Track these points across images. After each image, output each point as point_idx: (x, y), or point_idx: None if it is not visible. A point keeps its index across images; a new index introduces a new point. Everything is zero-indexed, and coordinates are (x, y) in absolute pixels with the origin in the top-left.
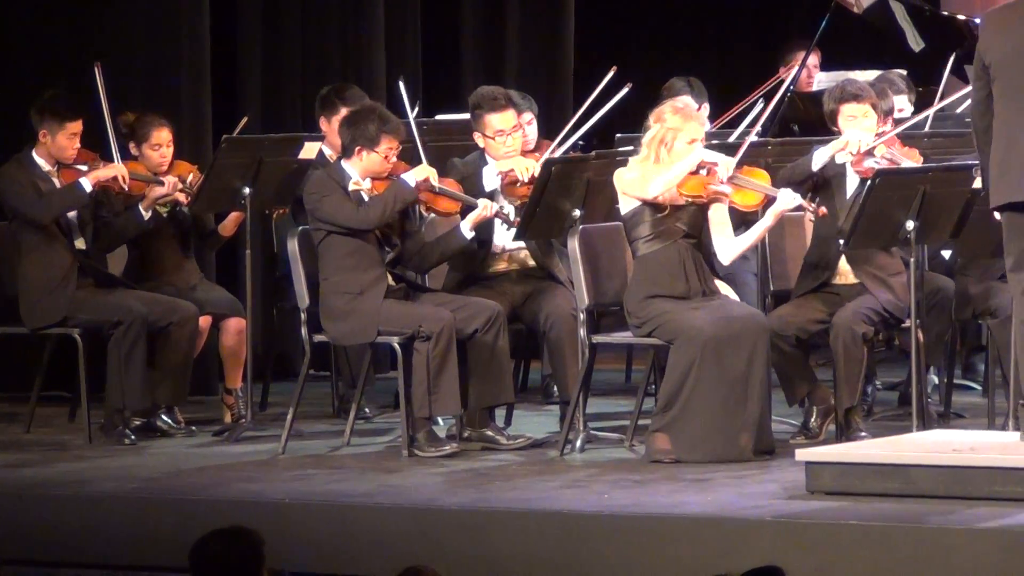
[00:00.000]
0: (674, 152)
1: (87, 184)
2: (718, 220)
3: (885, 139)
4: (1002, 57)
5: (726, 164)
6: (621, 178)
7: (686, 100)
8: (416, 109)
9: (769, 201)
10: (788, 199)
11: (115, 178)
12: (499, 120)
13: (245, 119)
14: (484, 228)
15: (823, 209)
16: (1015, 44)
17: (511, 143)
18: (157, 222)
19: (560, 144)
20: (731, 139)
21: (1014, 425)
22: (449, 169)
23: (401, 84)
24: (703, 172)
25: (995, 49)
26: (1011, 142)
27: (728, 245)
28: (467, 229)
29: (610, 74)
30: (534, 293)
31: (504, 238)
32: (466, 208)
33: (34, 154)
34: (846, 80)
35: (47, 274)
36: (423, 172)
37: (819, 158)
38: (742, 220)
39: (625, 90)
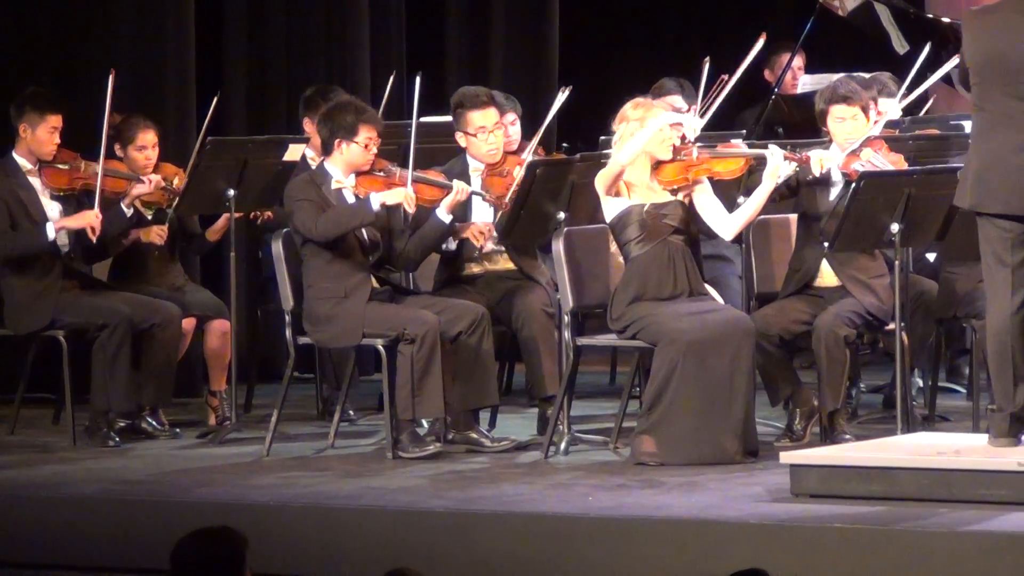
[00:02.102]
0: (646, 144)
1: (51, 231)
2: (706, 201)
3: (850, 151)
4: (975, 64)
5: (691, 125)
6: (599, 179)
7: (674, 100)
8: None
9: (751, 164)
10: (776, 157)
11: (84, 228)
12: (481, 117)
13: (216, 98)
14: (466, 214)
15: (807, 154)
16: (986, 51)
17: (493, 140)
18: (141, 224)
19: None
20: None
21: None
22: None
23: (418, 79)
24: (679, 158)
25: (970, 54)
26: (993, 156)
27: (727, 221)
28: (444, 213)
29: (564, 93)
30: (508, 293)
31: (485, 215)
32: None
33: (14, 154)
34: (839, 80)
35: (32, 279)
36: (397, 197)
37: (783, 172)
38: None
39: (565, 94)
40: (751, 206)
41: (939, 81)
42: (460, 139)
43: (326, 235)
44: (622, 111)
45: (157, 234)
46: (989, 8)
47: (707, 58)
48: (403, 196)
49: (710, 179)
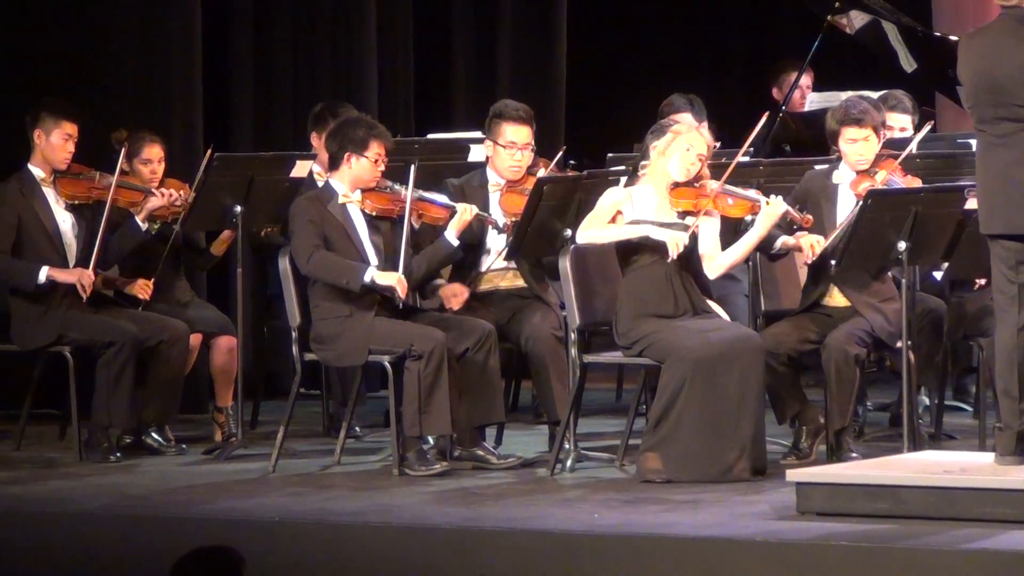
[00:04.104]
0: (669, 152)
1: (42, 275)
2: (707, 236)
3: (884, 175)
4: (967, 86)
5: (675, 241)
6: (601, 199)
7: (685, 117)
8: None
9: (757, 209)
10: (775, 208)
11: (75, 283)
12: (514, 132)
13: (210, 151)
14: (474, 236)
15: (809, 217)
16: (976, 73)
17: (519, 158)
18: (148, 240)
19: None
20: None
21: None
22: (442, 190)
23: (412, 168)
24: (695, 184)
25: (963, 77)
26: (993, 177)
27: (716, 259)
28: (452, 236)
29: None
30: (517, 313)
31: (494, 255)
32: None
33: (30, 165)
34: (849, 101)
35: (39, 295)
36: (388, 279)
37: (776, 243)
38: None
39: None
40: (739, 250)
41: (946, 99)
42: (487, 148)
43: (312, 276)
44: (663, 121)
45: (142, 287)
46: (980, 31)
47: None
48: (395, 281)
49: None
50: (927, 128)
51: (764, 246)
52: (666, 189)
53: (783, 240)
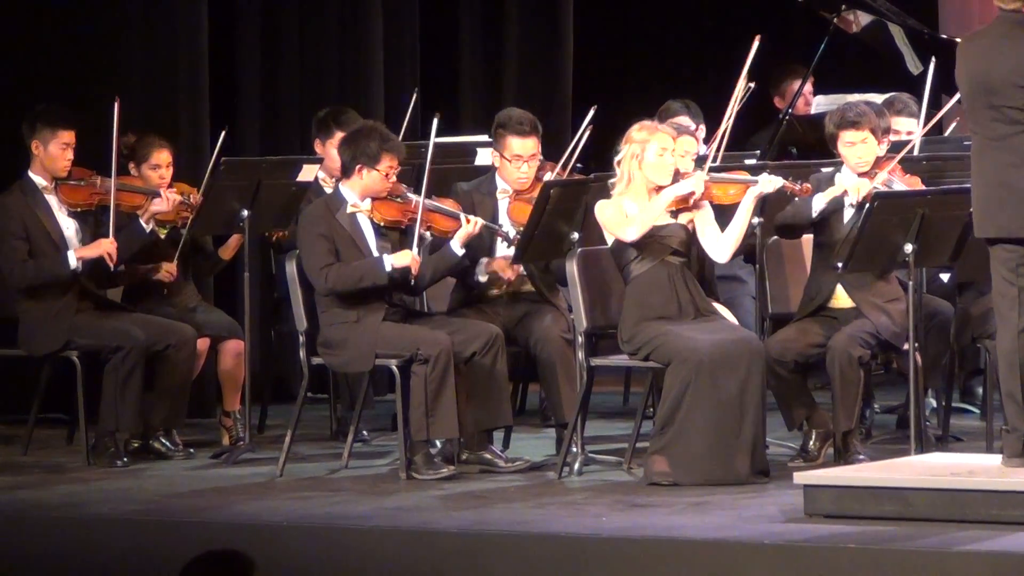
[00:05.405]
0: (646, 164)
1: (72, 259)
2: (704, 226)
3: (884, 175)
4: (964, 89)
5: (699, 180)
6: (602, 213)
7: (681, 121)
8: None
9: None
10: (767, 182)
11: (102, 256)
12: (519, 145)
13: (224, 132)
14: (482, 246)
15: (807, 185)
16: (972, 75)
17: (525, 170)
18: (156, 243)
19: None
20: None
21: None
22: (451, 194)
23: (435, 120)
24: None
25: (960, 80)
26: (988, 180)
27: (719, 244)
28: (458, 246)
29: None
30: (526, 316)
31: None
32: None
33: (31, 173)
34: (846, 105)
35: (48, 301)
36: (404, 259)
37: (817, 205)
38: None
39: (591, 112)
40: (736, 225)
41: (957, 104)
42: (494, 159)
43: (334, 291)
44: (628, 132)
45: (167, 271)
46: (978, 33)
47: (757, 36)
48: (410, 259)
49: (711, 203)
50: (930, 124)
51: (803, 215)
52: (649, 195)
53: (825, 196)
